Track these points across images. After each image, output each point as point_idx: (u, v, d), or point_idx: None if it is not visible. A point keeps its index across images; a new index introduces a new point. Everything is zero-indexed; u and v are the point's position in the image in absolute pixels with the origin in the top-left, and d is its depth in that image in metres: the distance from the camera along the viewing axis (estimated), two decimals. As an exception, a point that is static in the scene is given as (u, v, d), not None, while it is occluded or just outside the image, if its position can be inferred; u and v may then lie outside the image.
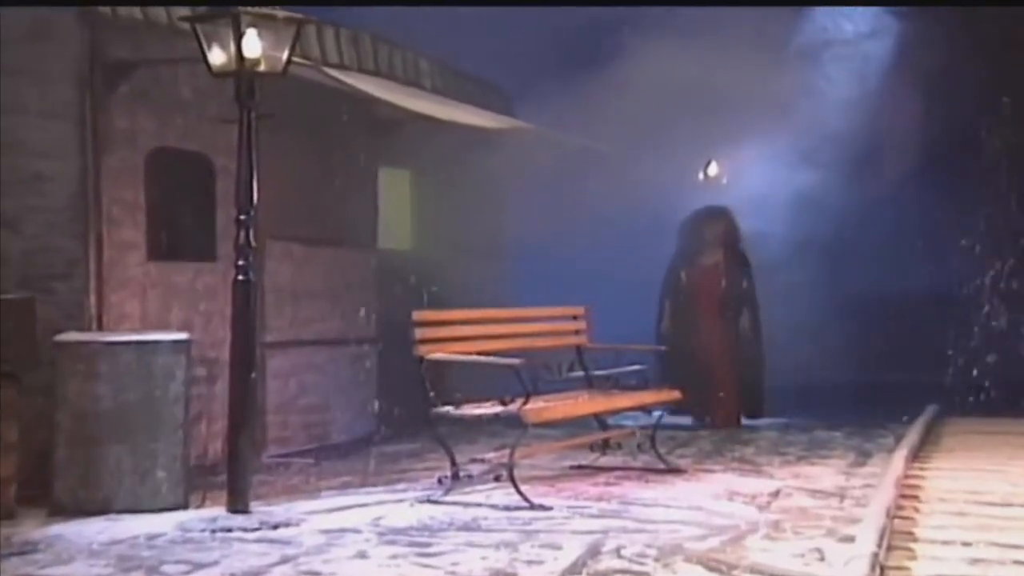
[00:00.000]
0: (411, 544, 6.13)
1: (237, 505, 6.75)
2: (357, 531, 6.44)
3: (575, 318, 8.97)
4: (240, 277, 6.86)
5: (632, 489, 7.72)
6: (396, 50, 10.82)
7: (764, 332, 12.49)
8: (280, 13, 6.79)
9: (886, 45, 12.95)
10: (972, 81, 13.05)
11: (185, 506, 7.08)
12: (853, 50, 13.03)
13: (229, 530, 6.43)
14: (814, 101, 12.59)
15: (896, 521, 6.42)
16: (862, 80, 12.77)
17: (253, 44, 6.70)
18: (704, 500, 7.27)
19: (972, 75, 13.05)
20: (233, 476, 6.80)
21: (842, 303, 13.91)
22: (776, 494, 7.50)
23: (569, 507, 7.08)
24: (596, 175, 11.75)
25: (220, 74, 6.83)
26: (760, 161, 12.49)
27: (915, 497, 7.20)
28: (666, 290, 11.34)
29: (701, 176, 13.33)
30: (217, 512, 6.80)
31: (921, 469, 8.25)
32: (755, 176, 12.49)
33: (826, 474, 8.30)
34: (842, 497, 7.38)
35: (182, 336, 7.32)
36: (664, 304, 11.31)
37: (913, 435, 9.54)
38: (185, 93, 8.23)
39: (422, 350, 7.45)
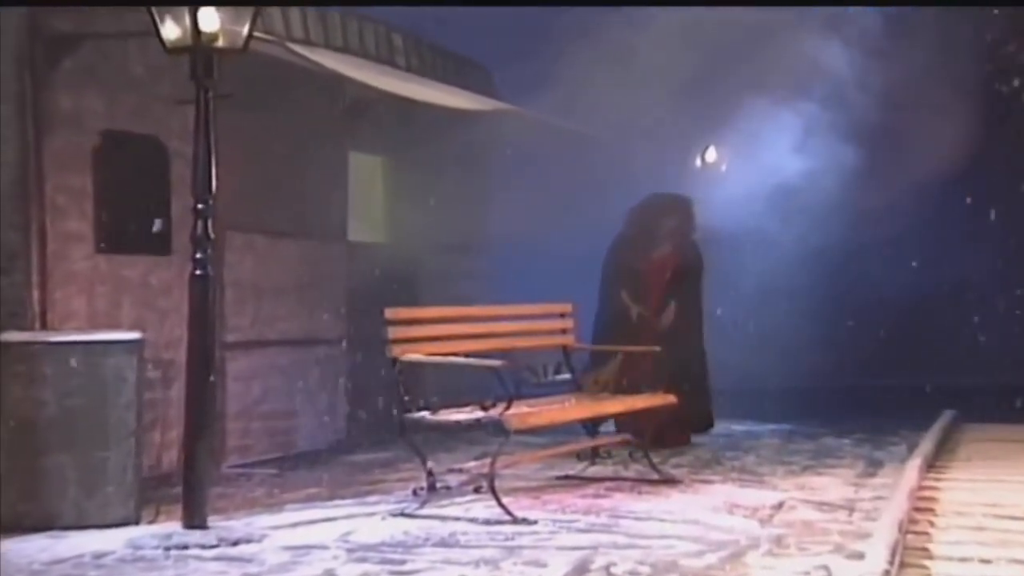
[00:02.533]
0: (383, 561, 6.10)
1: (193, 520, 6.70)
2: (324, 548, 6.40)
3: (561, 316, 8.96)
4: (197, 271, 6.82)
5: (623, 501, 7.70)
6: (367, 25, 10.78)
7: (768, 334, 12.50)
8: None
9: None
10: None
11: (136, 521, 7.04)
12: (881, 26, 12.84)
13: (184, 547, 6.38)
14: (830, 82, 12.56)
15: (909, 536, 6.44)
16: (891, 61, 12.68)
17: (210, 17, 6.64)
18: (701, 513, 7.27)
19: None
20: (189, 488, 6.75)
21: (855, 303, 13.95)
22: (779, 507, 7.50)
23: (555, 521, 7.06)
24: (585, 161, 11.72)
25: (174, 50, 6.77)
26: (767, 147, 12.47)
27: (930, 510, 7.22)
28: (608, 281, 10.57)
29: (698, 162, 13.32)
30: (172, 528, 6.74)
31: (936, 480, 8.27)
32: (760, 163, 12.47)
33: (833, 485, 8.30)
34: (851, 510, 7.38)
35: (134, 336, 7.28)
36: (607, 297, 10.49)
37: (928, 443, 9.56)
38: (136, 70, 8.17)
39: (396, 351, 7.43)
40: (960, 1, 12.17)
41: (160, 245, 8.44)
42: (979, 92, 12.85)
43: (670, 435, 9.78)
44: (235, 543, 6.48)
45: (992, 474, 8.54)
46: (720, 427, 11.31)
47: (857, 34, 12.47)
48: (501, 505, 7.16)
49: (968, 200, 13.71)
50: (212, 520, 6.79)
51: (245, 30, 6.79)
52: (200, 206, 6.78)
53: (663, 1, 11.46)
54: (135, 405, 7.13)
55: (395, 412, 7.52)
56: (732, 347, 11.10)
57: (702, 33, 11.41)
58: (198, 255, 6.80)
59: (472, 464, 7.75)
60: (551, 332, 8.91)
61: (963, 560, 6.02)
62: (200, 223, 6.79)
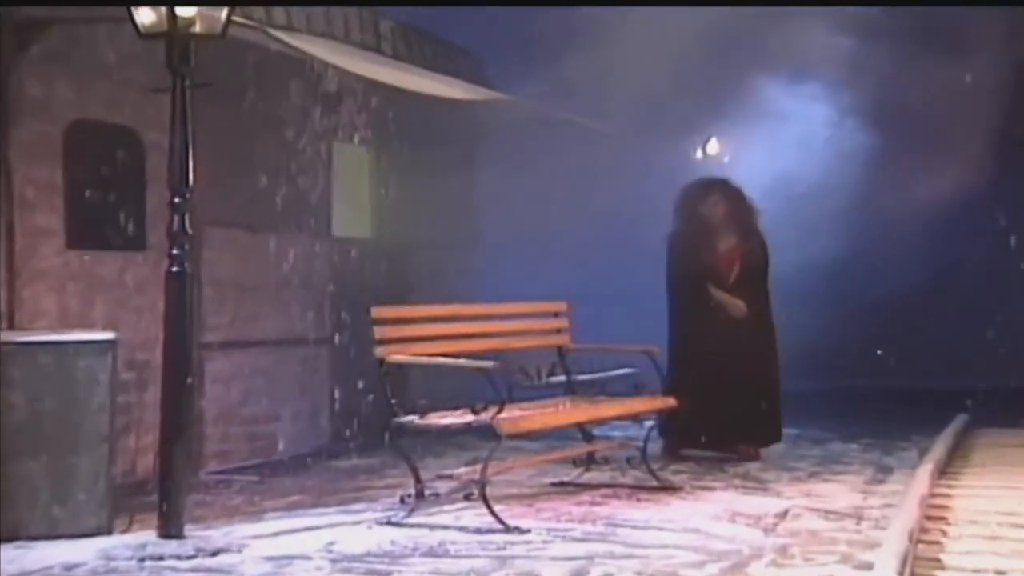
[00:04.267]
0: (369, 572, 6.09)
1: (170, 529, 6.70)
2: (307, 558, 6.38)
3: (556, 315, 8.95)
4: (174, 268, 6.82)
5: (620, 509, 7.70)
6: (351, 10, 10.75)
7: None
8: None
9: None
10: None
11: (109, 531, 7.00)
12: None
13: (160, 558, 6.37)
14: (842, 72, 12.52)
15: (920, 546, 6.42)
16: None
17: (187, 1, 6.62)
18: (702, 522, 7.26)
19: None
20: (165, 496, 6.74)
21: (864, 302, 13.92)
22: (784, 515, 7.50)
23: (549, 530, 7.05)
24: (582, 152, 11.71)
25: (149, 35, 6.74)
26: (773, 139, 12.45)
27: (942, 518, 7.21)
28: (676, 281, 10.02)
29: (699, 154, 13.30)
30: (147, 537, 6.73)
31: (949, 487, 8.27)
32: (765, 156, 12.46)
33: (841, 492, 8.31)
34: (859, 518, 7.38)
35: (107, 336, 7.25)
36: (678, 299, 10.03)
37: (940, 448, 9.55)
38: (109, 57, 8.14)
39: (383, 351, 7.42)
40: (962, 1, 12.20)
41: (135, 241, 8.41)
42: (1006, 92, 12.83)
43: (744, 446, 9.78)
44: (213, 553, 6.46)
45: (1008, 481, 8.53)
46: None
47: (875, 26, 12.46)
48: (492, 513, 7.14)
49: (984, 199, 13.69)
50: (189, 529, 6.77)
51: (223, 15, 6.77)
52: (177, 200, 6.77)
53: (663, 1, 11.45)
54: (108, 408, 7.10)
55: (382, 416, 7.49)
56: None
57: (706, 18, 11.40)
58: (175, 251, 6.80)
59: (462, 470, 7.74)
60: (545, 332, 8.89)
61: (977, 571, 6.01)
62: (177, 217, 6.78)
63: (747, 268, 10.02)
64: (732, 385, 9.65)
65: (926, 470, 8.36)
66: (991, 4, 12.20)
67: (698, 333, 9.79)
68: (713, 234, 10.00)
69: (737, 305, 9.89)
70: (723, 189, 10.14)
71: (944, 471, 8.81)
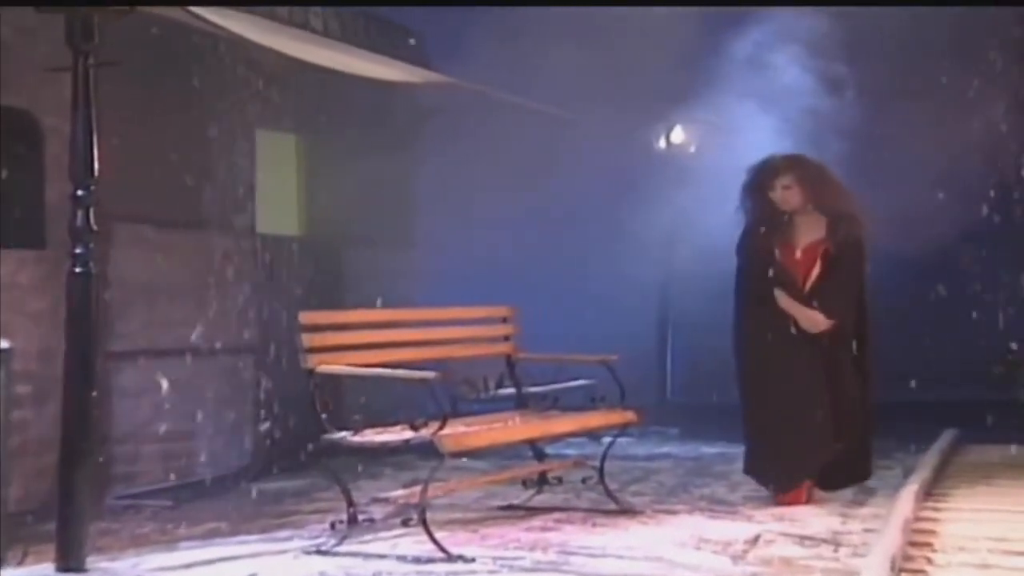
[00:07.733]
0: (293, 608, 6.09)
1: (69, 561, 6.65)
2: (225, 592, 6.38)
3: (504, 320, 8.95)
4: (77, 269, 6.80)
5: (575, 535, 7.70)
6: (278, -18, 10.73)
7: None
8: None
9: None
10: None
11: (0, 564, 6.91)
12: None
13: (58, 593, 6.33)
14: (827, 47, 12.57)
15: (903, 575, 6.44)
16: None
17: (90, -30, 6.58)
18: (665, 549, 7.28)
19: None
20: (65, 524, 6.70)
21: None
22: (755, 541, 7.52)
23: (496, 558, 7.05)
24: (534, 140, 11.71)
25: (46, 6, 6.68)
26: (747, 126, 12.48)
27: (927, 544, 7.25)
28: (739, 288, 8.95)
29: (663, 143, 13.32)
30: (43, 571, 6.67)
31: (935, 510, 8.32)
32: (738, 145, 12.48)
33: (817, 516, 8.34)
34: (837, 544, 7.42)
35: (0, 344, 7.16)
36: (738, 308, 8.93)
37: (925, 467, 9.61)
38: (2, 33, 8.07)
39: (313, 360, 7.40)
40: (965, 1, 12.34)
41: (32, 237, 8.33)
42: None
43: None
44: (119, 588, 6.44)
45: (999, 503, 8.59)
46: (688, 449, 11.34)
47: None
48: (433, 540, 7.13)
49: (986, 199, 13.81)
50: (92, 561, 6.72)
51: (132, -15, 6.72)
52: (80, 192, 6.76)
53: (660, 1, 11.48)
54: (0, 426, 7.02)
55: (311, 432, 7.47)
56: (705, 359, 11.12)
57: None
58: (78, 250, 6.78)
59: (400, 493, 7.74)
60: (492, 339, 8.89)
61: (965, 602, 6.07)
62: (80, 212, 6.77)
63: (831, 269, 8.78)
64: (797, 416, 8.66)
65: (910, 491, 8.41)
66: (992, 4, 12.33)
67: (762, 352, 8.71)
68: (790, 227, 8.84)
69: (810, 316, 8.67)
70: (795, 168, 8.88)
71: (930, 492, 8.86)
